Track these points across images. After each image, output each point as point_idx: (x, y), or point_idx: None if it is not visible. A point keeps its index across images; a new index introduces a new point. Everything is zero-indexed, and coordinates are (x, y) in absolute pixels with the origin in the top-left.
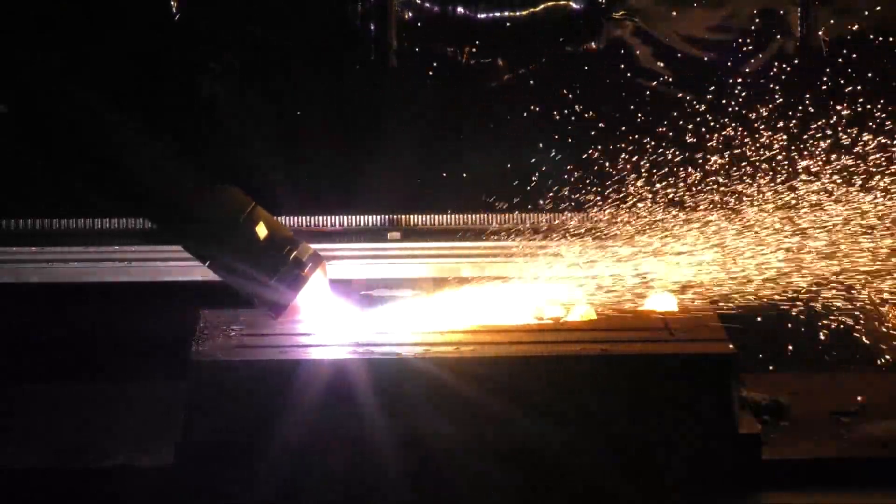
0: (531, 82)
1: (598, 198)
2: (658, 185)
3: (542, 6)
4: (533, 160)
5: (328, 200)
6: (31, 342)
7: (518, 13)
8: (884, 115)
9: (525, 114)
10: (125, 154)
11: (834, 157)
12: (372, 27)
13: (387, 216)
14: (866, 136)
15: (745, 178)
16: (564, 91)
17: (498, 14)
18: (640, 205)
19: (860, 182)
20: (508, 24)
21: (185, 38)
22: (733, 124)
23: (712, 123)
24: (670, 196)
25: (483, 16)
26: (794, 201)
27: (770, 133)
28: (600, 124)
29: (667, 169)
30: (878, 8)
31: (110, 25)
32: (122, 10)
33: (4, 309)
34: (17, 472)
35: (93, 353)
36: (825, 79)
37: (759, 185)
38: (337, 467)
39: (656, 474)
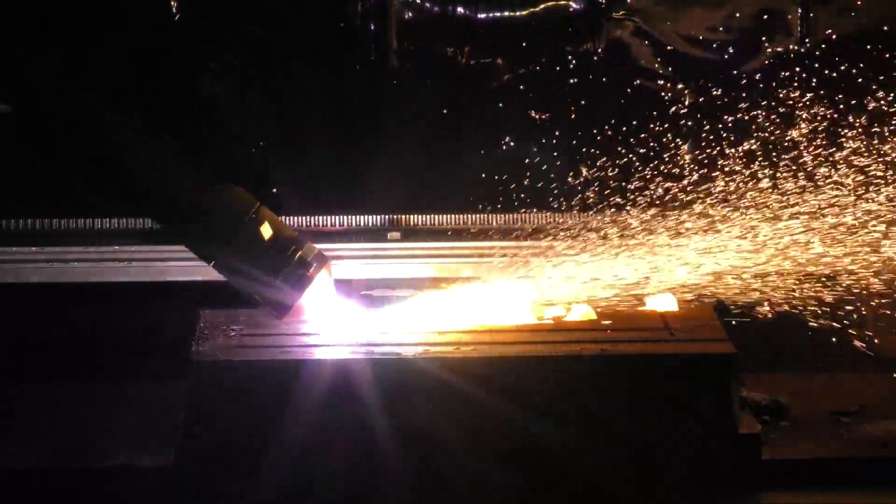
0: (531, 82)
1: (598, 198)
2: (658, 185)
3: (542, 6)
4: (533, 160)
5: (328, 200)
6: (31, 342)
7: (518, 13)
8: (884, 115)
9: (525, 114)
10: (125, 154)
11: (833, 157)
12: (372, 27)
13: (387, 216)
14: (867, 136)
15: (745, 177)
16: (564, 91)
17: (498, 14)
18: (640, 204)
19: (860, 182)
20: (508, 24)
21: (185, 38)
22: (733, 124)
23: (712, 123)
24: (670, 196)
25: (483, 16)
26: (794, 201)
27: (770, 133)
28: (600, 124)
29: (667, 169)
30: (878, 8)
31: (110, 25)
32: (122, 10)
33: (4, 309)
34: (17, 472)
35: (93, 353)
36: (825, 79)
37: (759, 185)
38: (337, 467)
39: (656, 474)
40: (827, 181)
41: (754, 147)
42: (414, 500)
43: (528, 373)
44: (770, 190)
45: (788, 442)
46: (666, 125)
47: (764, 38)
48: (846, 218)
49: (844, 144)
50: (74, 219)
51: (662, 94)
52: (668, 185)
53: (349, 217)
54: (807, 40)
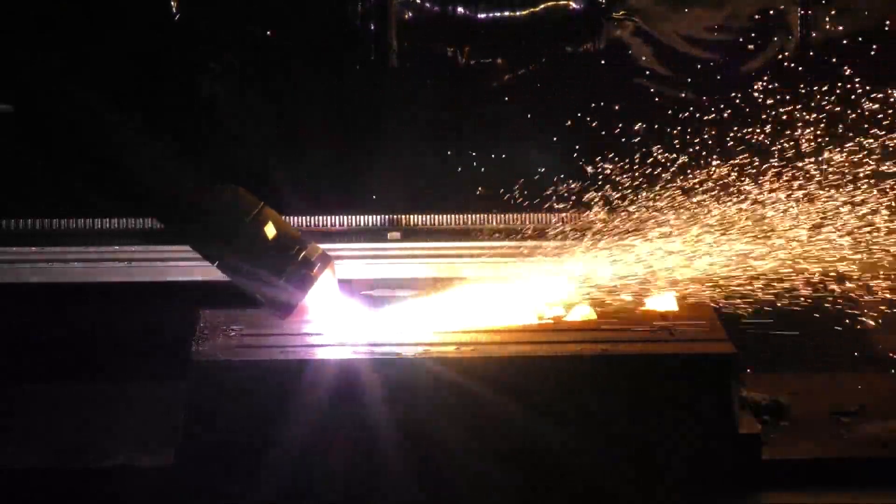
0: (531, 82)
1: (598, 197)
2: (658, 186)
3: (542, 6)
4: (533, 160)
5: (328, 200)
6: (31, 342)
7: (518, 13)
8: (884, 115)
9: (525, 114)
10: (126, 154)
11: (833, 156)
12: (372, 27)
13: (387, 216)
14: (866, 136)
15: (743, 178)
16: (564, 91)
17: (498, 14)
18: (639, 204)
19: (860, 181)
20: (508, 24)
21: (185, 38)
22: (733, 124)
23: (712, 123)
24: (670, 196)
25: (483, 16)
26: (793, 201)
27: (770, 133)
28: (599, 124)
29: (666, 169)
30: (878, 8)
31: (110, 25)
32: (122, 10)
33: (4, 309)
34: (17, 472)
35: (93, 353)
36: (825, 79)
37: (758, 185)
38: (337, 467)
39: (656, 474)
40: (826, 181)
41: (754, 147)
42: (414, 501)
43: (528, 373)
44: (770, 190)
45: (788, 442)
46: (666, 125)
47: (764, 38)
48: (847, 218)
49: (844, 144)
50: (74, 219)
51: (662, 93)
52: (669, 184)
53: (349, 217)
54: (807, 40)
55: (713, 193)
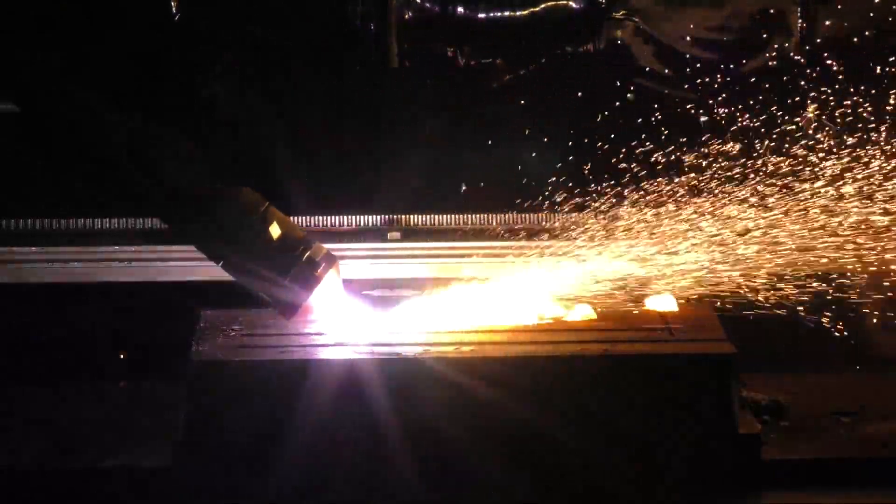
0: (531, 82)
1: (598, 197)
2: (657, 185)
3: (542, 6)
4: (533, 160)
5: (328, 200)
6: (31, 342)
7: (518, 13)
8: (884, 115)
9: (525, 114)
10: (126, 154)
11: (834, 156)
12: (372, 27)
13: (387, 216)
14: (866, 136)
15: (745, 177)
16: (564, 91)
17: (498, 14)
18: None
19: (861, 181)
20: (508, 24)
21: (185, 38)
22: (733, 124)
23: (712, 123)
24: (670, 195)
25: (483, 16)
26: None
27: (770, 132)
28: (600, 124)
29: (666, 169)
30: (878, 8)
31: (110, 25)
32: (122, 10)
33: (4, 309)
34: (17, 472)
35: (93, 353)
36: (825, 79)
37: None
38: (337, 467)
39: (656, 474)
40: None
41: (754, 147)
42: (414, 501)
43: (529, 373)
44: (769, 189)
45: (788, 442)
46: (666, 125)
47: (764, 38)
48: (849, 217)
49: (844, 144)
50: (74, 219)
51: (662, 93)
52: (668, 184)
53: (349, 217)
54: (807, 40)
55: (713, 193)
